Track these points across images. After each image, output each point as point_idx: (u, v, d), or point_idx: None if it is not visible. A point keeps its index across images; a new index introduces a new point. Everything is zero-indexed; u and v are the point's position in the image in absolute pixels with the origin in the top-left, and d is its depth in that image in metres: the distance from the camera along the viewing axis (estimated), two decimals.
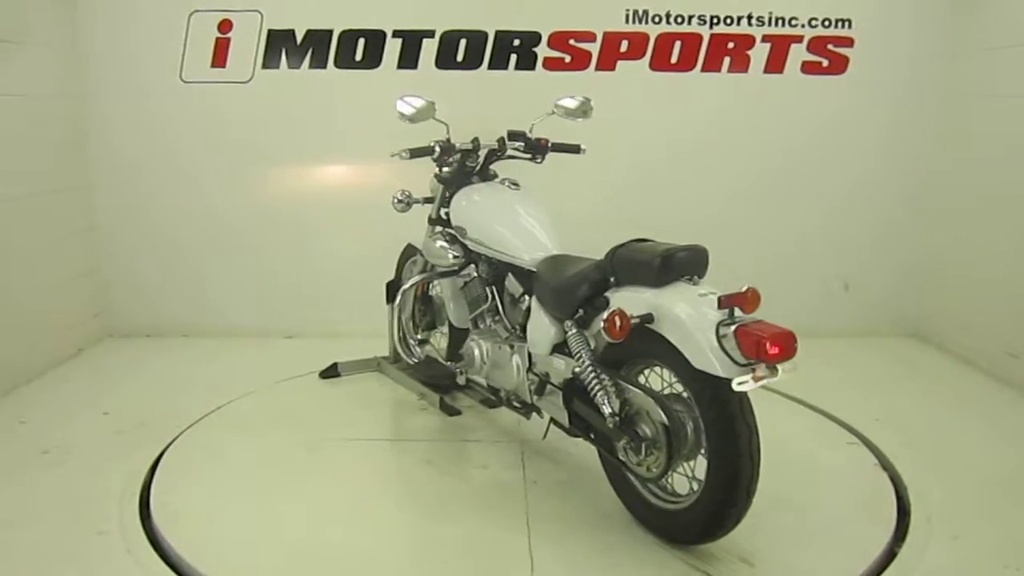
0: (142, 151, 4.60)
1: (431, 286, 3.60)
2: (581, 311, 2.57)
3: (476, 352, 3.14)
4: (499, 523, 2.65)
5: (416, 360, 3.56)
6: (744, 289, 2.19)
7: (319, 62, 4.52)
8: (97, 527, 2.58)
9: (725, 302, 2.18)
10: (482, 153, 3.31)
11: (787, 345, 2.06)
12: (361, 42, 4.50)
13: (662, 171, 4.64)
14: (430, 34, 4.50)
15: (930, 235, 4.69)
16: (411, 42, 4.51)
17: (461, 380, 3.28)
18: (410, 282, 3.46)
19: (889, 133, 4.68)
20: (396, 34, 4.50)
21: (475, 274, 3.21)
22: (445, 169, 3.34)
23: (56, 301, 4.25)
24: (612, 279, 2.50)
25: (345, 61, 4.52)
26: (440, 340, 3.63)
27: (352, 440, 3.29)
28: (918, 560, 2.45)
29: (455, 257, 3.24)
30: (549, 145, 3.32)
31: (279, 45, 4.50)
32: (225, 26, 4.48)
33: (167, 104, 4.53)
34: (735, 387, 2.09)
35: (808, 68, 4.58)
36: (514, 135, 3.32)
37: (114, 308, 4.71)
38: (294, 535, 2.58)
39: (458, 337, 3.44)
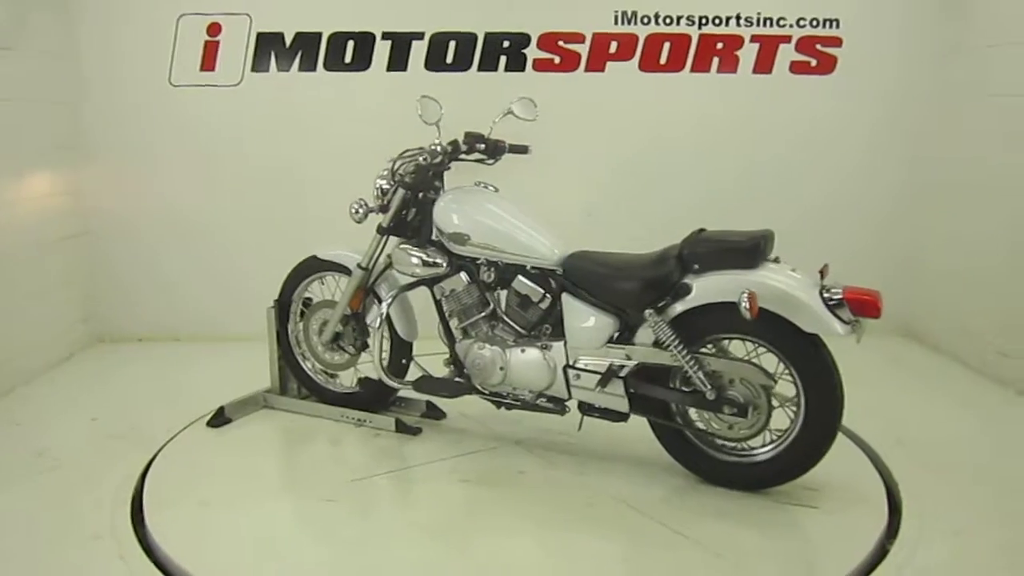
0: (131, 155, 4.59)
1: (364, 303, 3.37)
2: (668, 298, 2.72)
3: (488, 358, 3.05)
4: (606, 519, 2.67)
5: (403, 385, 3.29)
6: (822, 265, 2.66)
7: (308, 65, 4.51)
8: (90, 532, 2.57)
9: (825, 273, 2.61)
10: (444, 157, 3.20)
11: (882, 303, 2.54)
12: (350, 44, 4.50)
13: (651, 171, 4.65)
14: (419, 36, 4.50)
15: (920, 234, 4.71)
16: (400, 44, 4.51)
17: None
18: (388, 298, 3.25)
19: (878, 131, 4.69)
20: (385, 36, 4.50)
21: (466, 281, 3.12)
22: (403, 169, 3.18)
23: (48, 306, 4.23)
24: (696, 266, 2.69)
25: (334, 63, 4.52)
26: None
27: (356, 481, 2.97)
28: (910, 556, 2.45)
29: (434, 264, 3.12)
30: (507, 146, 3.29)
31: (268, 48, 4.50)
32: (214, 29, 4.47)
33: (156, 108, 4.52)
34: (856, 342, 2.55)
35: (797, 68, 4.60)
36: (474, 136, 3.25)
37: (105, 313, 4.69)
38: (298, 546, 2.56)
39: (402, 351, 3.36)
